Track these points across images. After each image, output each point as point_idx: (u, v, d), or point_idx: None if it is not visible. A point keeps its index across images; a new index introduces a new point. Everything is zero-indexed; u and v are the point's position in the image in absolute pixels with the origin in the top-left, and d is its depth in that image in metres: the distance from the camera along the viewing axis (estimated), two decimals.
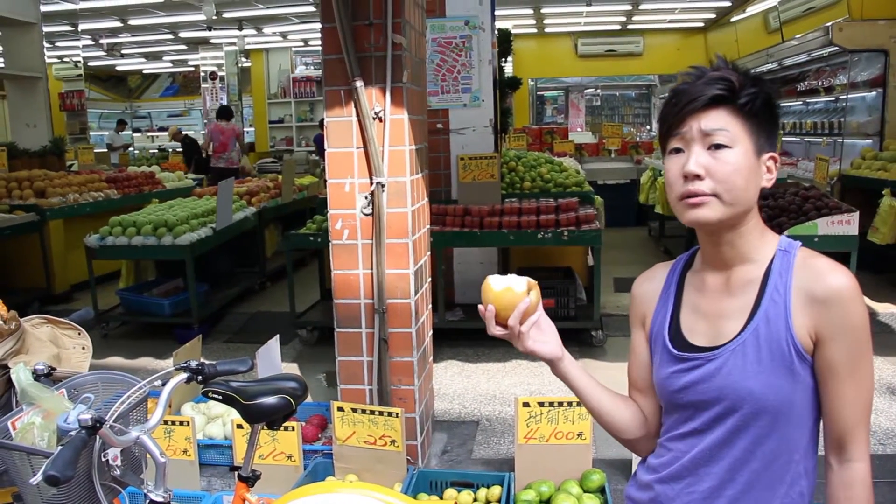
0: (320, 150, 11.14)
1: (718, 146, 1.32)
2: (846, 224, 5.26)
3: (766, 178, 1.38)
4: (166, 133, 19.29)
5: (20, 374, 2.16)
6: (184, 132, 14.66)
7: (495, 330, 1.49)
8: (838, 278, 1.31)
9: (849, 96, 8.13)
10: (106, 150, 14.09)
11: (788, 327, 1.32)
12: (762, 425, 1.35)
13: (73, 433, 1.76)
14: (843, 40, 7.70)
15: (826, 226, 5.26)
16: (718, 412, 1.38)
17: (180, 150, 13.96)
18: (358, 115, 3.28)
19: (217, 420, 3.91)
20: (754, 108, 1.34)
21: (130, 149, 15.90)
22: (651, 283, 1.58)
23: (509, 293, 1.47)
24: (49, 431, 2.04)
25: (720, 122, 1.33)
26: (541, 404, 3.38)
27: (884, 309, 6.14)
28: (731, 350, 1.37)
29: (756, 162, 1.35)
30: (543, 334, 1.51)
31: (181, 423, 3.50)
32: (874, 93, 7.81)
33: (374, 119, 3.27)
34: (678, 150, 1.37)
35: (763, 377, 1.33)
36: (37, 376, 2.21)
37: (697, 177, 1.32)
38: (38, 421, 2.06)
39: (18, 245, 7.16)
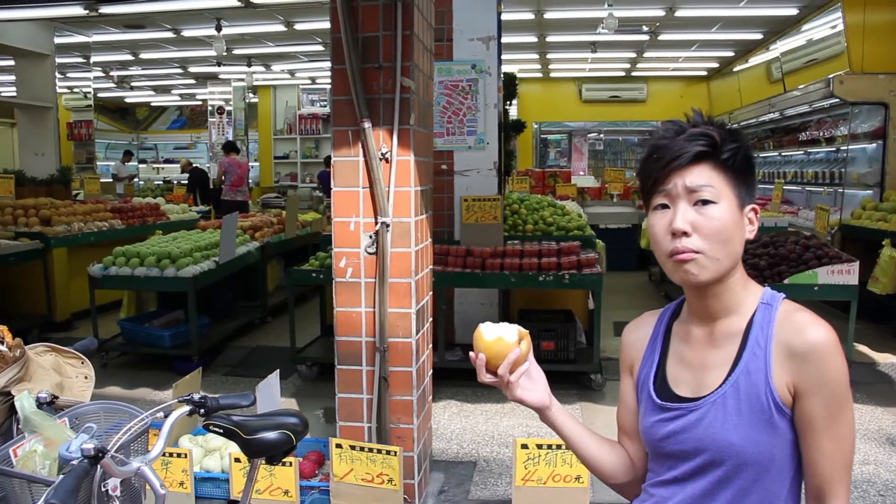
0: (325, 188, 11.26)
1: (704, 202, 1.34)
2: (846, 273, 5.30)
3: (749, 230, 1.40)
4: (172, 165, 19.47)
5: (24, 401, 2.18)
6: (194, 164, 14.81)
7: (485, 378, 1.50)
8: (818, 333, 1.32)
9: (850, 147, 8.22)
10: (111, 180, 14.21)
11: (768, 381, 1.33)
12: (744, 478, 1.35)
13: (74, 462, 1.77)
14: (844, 93, 7.82)
15: (826, 275, 5.30)
16: (700, 463, 1.39)
17: (185, 182, 14.10)
18: (365, 155, 3.33)
19: (214, 453, 3.91)
20: (736, 163, 1.37)
21: (136, 180, 16.00)
22: (639, 332, 1.60)
23: (500, 343, 1.48)
24: (50, 460, 2.05)
25: (704, 177, 1.35)
26: (539, 447, 3.39)
27: (883, 359, 6.14)
28: (711, 402, 1.38)
29: (740, 215, 1.38)
30: (533, 383, 1.53)
31: (179, 456, 3.50)
32: (874, 144, 7.91)
33: (380, 160, 3.32)
34: (663, 206, 1.38)
35: (743, 430, 1.34)
36: (39, 404, 2.23)
37: (685, 233, 1.34)
38: (40, 449, 2.07)
39: (22, 272, 7.20)
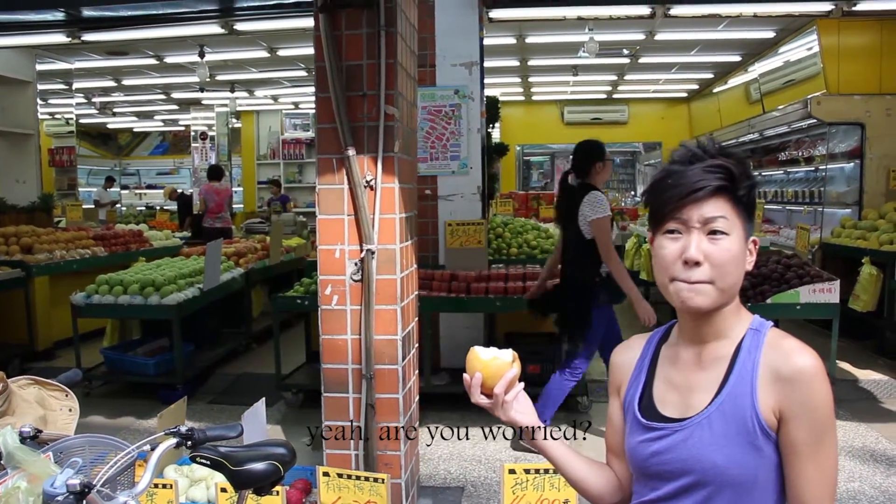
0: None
1: (718, 232, 1.37)
2: (828, 292, 5.34)
3: (749, 262, 1.43)
4: (155, 191, 19.38)
5: (7, 436, 2.15)
6: (179, 191, 14.74)
7: (480, 399, 1.53)
8: (804, 359, 1.35)
9: (828, 167, 8.33)
10: (93, 206, 14.12)
11: (754, 404, 1.36)
12: (727, 499, 1.37)
13: (60, 498, 1.75)
14: (822, 113, 7.94)
15: (808, 294, 5.34)
16: (684, 484, 1.41)
17: (169, 208, 14.02)
18: (349, 182, 3.35)
19: (200, 483, 3.86)
20: (749, 199, 1.41)
21: (118, 206, 15.92)
22: (628, 353, 1.62)
23: (497, 361, 1.52)
24: (34, 496, 2.02)
25: (720, 210, 1.37)
26: (527, 471, 3.38)
27: (865, 376, 6.19)
28: (696, 423, 1.40)
29: (745, 247, 1.41)
30: (523, 405, 1.57)
31: (164, 486, 3.46)
32: (852, 164, 8.03)
33: (365, 187, 3.34)
34: (675, 232, 1.40)
35: (727, 451, 1.36)
36: (23, 439, 2.20)
37: (697, 263, 1.37)
38: (24, 485, 2.05)
39: (2, 300, 7.14)
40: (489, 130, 8.59)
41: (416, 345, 3.87)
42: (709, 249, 1.37)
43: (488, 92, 7.55)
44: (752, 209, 1.43)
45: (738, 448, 1.35)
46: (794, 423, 1.34)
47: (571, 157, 4.89)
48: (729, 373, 1.40)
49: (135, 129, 19.94)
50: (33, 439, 2.24)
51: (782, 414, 1.35)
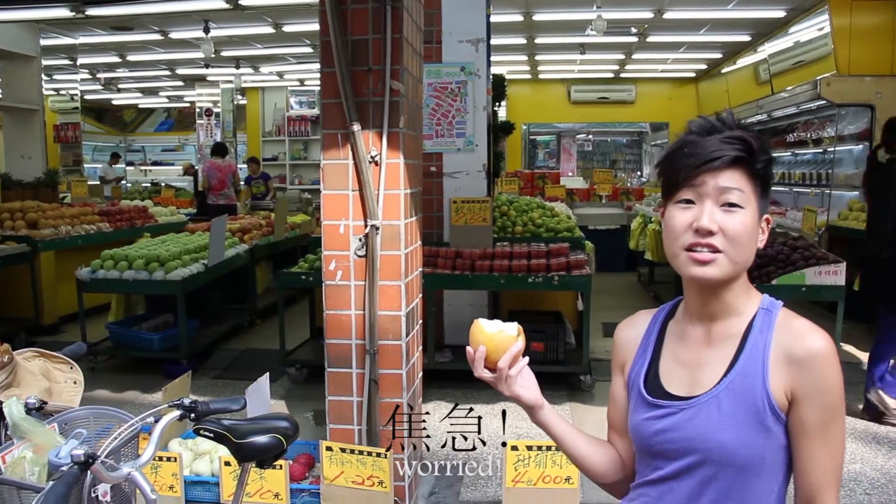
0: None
1: (732, 205, 1.35)
2: (833, 274, 5.33)
3: (760, 239, 1.41)
4: (160, 167, 19.38)
5: (13, 407, 2.17)
6: (195, 167, 14.73)
7: (483, 373, 1.51)
8: (817, 340, 1.34)
9: (836, 149, 8.28)
10: (99, 182, 14.11)
11: (765, 385, 1.34)
12: (733, 479, 1.36)
13: (64, 468, 1.76)
14: (831, 94, 7.87)
15: (814, 276, 5.33)
16: (689, 462, 1.40)
17: (174, 184, 14.01)
18: (354, 158, 3.33)
19: (204, 456, 3.89)
20: (765, 173, 1.39)
21: (123, 182, 15.92)
22: (633, 330, 1.60)
23: (502, 335, 1.49)
24: (39, 466, 2.04)
25: (736, 181, 1.35)
26: (529, 448, 3.39)
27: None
28: (704, 401, 1.39)
29: (758, 223, 1.39)
30: (526, 381, 1.55)
31: (168, 459, 3.49)
32: (861, 146, 7.97)
33: (370, 163, 3.32)
34: (688, 202, 1.38)
35: (735, 430, 1.35)
36: (28, 410, 2.22)
37: (710, 232, 1.34)
38: (29, 455, 2.07)
39: (8, 275, 7.15)
40: (495, 108, 8.55)
41: (420, 321, 3.87)
42: (723, 220, 1.35)
43: (495, 70, 7.51)
44: (767, 186, 1.41)
45: (746, 428, 1.34)
46: (805, 404, 1.33)
47: (882, 133, 5.13)
48: (739, 351, 1.39)
49: (140, 106, 19.88)
50: (38, 410, 2.26)
51: (794, 395, 1.34)
